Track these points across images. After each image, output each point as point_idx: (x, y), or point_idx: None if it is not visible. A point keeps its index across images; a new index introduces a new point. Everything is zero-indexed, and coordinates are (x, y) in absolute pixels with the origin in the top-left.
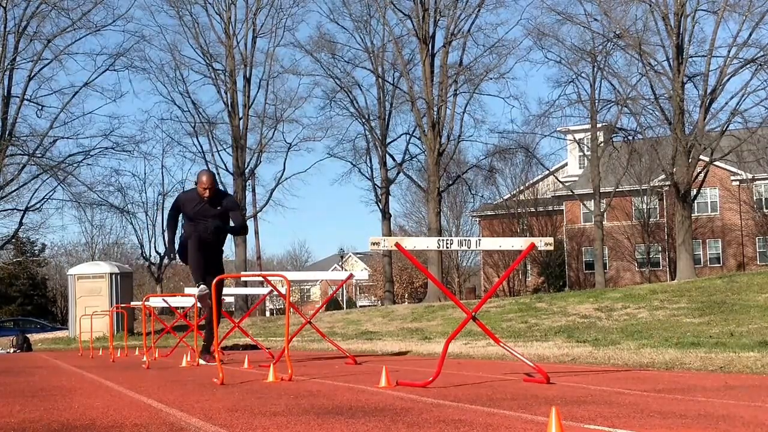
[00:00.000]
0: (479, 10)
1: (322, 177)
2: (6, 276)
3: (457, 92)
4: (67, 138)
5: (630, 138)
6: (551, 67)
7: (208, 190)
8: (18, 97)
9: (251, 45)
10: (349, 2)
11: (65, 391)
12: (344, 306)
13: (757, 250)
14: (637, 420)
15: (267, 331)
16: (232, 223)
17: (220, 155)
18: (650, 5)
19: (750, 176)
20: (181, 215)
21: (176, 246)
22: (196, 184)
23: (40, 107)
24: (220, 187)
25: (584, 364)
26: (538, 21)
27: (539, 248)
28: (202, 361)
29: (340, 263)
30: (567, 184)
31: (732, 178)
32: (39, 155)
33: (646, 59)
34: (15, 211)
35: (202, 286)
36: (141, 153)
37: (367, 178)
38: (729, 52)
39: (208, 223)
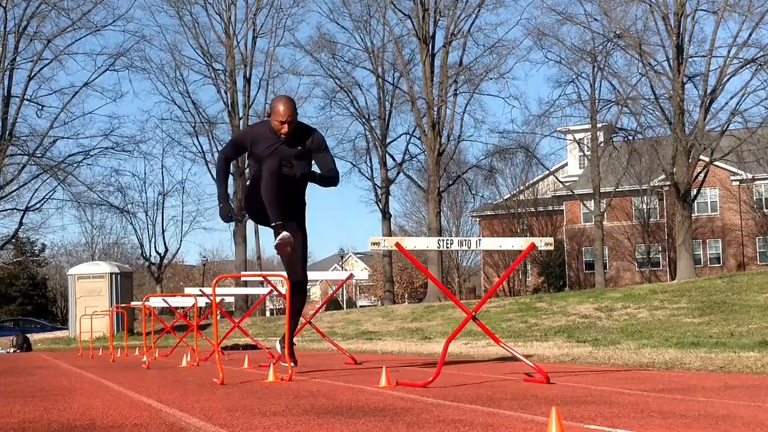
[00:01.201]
0: (479, 10)
1: None
2: (6, 276)
3: (457, 92)
4: (67, 138)
5: (630, 138)
6: (551, 67)
7: (286, 125)
8: (18, 97)
9: (251, 45)
10: (349, 2)
11: (65, 391)
12: (344, 306)
13: (757, 250)
14: (637, 420)
15: (267, 331)
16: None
17: None
18: (650, 5)
19: (750, 176)
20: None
21: (230, 202)
22: (268, 116)
23: (40, 107)
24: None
25: (584, 364)
26: (538, 21)
27: (539, 248)
28: (278, 346)
29: (340, 263)
30: (567, 184)
31: (732, 178)
32: (39, 155)
33: (646, 59)
34: (15, 211)
35: (283, 233)
36: (141, 153)
37: (367, 178)
38: (729, 52)
39: (290, 169)
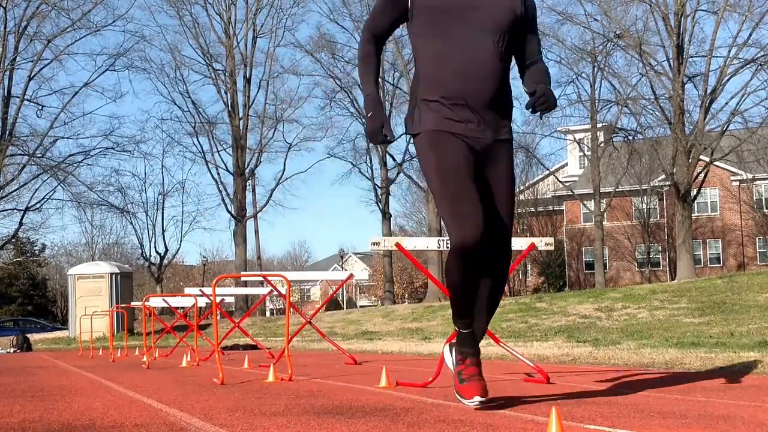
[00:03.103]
0: None
1: (322, 177)
2: (6, 276)
3: None
4: (67, 138)
5: (630, 138)
6: (551, 67)
7: None
8: (18, 97)
9: (251, 45)
10: (349, 2)
11: (65, 391)
12: (344, 306)
13: (757, 250)
14: (637, 420)
15: (267, 331)
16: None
17: (220, 155)
18: (650, 5)
19: (750, 176)
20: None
21: (384, 110)
22: None
23: (40, 107)
24: None
25: (584, 364)
26: (538, 21)
27: (539, 248)
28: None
29: (340, 263)
30: (567, 184)
31: (732, 178)
32: (39, 155)
33: (646, 59)
34: (15, 211)
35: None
36: (141, 153)
37: (367, 178)
38: (729, 52)
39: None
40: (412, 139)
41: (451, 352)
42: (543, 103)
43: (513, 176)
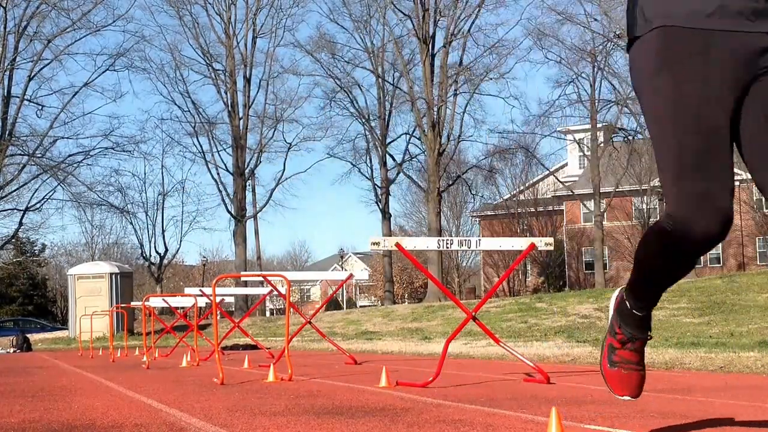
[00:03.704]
0: (479, 11)
1: (322, 177)
2: (6, 276)
3: (457, 92)
4: (67, 138)
5: (630, 138)
6: (551, 67)
7: None
8: (18, 97)
9: (251, 45)
10: (349, 2)
11: (65, 391)
12: (344, 306)
13: (757, 250)
14: (637, 420)
15: (267, 331)
16: None
17: (220, 155)
18: None
19: (750, 176)
20: None
21: None
22: None
23: (40, 107)
24: None
25: (584, 364)
26: (538, 21)
27: (539, 248)
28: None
29: (340, 263)
30: (567, 184)
31: None
32: (39, 155)
33: None
34: (15, 211)
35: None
36: (141, 153)
37: (367, 178)
38: None
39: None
40: (627, 52)
41: (616, 299)
42: None
43: None
